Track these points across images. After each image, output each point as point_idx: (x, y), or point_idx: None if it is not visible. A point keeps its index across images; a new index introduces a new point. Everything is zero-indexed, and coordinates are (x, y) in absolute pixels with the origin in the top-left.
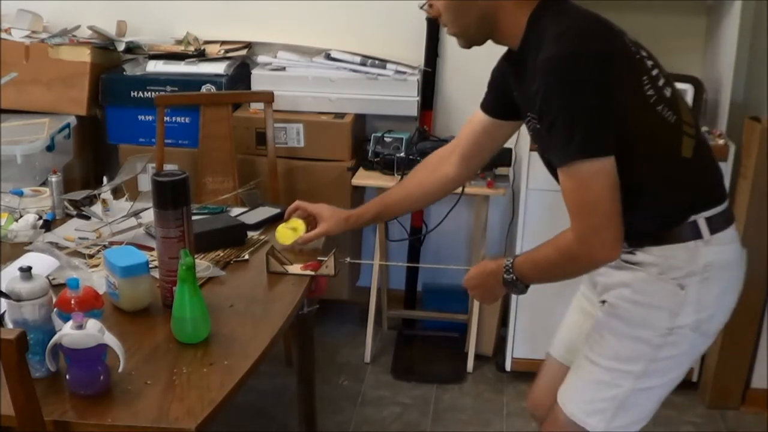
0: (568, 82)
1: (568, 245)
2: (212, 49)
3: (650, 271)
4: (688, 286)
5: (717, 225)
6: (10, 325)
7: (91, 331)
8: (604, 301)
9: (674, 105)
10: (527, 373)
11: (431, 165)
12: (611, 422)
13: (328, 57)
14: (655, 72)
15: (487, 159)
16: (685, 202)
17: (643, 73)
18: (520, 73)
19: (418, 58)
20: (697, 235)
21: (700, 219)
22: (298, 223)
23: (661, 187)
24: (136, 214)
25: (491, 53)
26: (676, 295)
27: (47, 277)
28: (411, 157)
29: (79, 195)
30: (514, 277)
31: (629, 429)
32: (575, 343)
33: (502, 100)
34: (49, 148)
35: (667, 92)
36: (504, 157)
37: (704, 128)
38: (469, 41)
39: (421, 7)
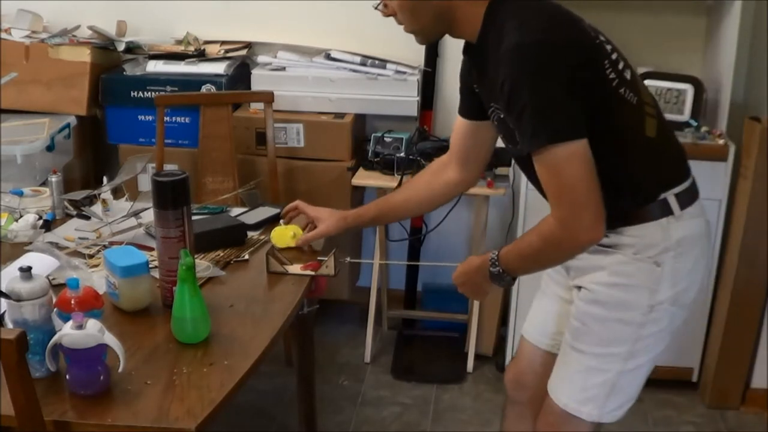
0: (535, 70)
1: (551, 231)
2: (212, 49)
3: (626, 252)
4: (663, 263)
5: (685, 200)
6: (10, 325)
7: (91, 331)
8: (579, 287)
9: (635, 87)
10: None
11: (434, 170)
12: (604, 407)
13: (328, 57)
14: (614, 56)
15: (485, 159)
16: (655, 180)
17: (603, 57)
18: (480, 65)
19: (418, 58)
20: (668, 211)
21: (670, 196)
22: (297, 229)
23: (630, 168)
24: (136, 214)
25: None
26: (653, 273)
27: (47, 277)
28: (411, 157)
29: (79, 195)
30: (500, 270)
31: (621, 410)
32: (547, 327)
33: (473, 101)
34: (49, 148)
35: (627, 75)
36: (504, 157)
37: (704, 128)
38: (426, 38)
39: (376, 7)
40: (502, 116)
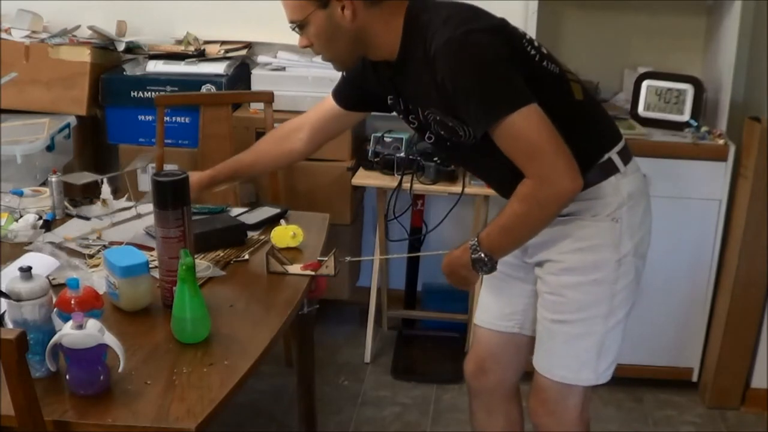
0: (472, 55)
1: (531, 192)
2: (212, 49)
3: (584, 216)
4: (620, 218)
5: (626, 157)
6: (10, 325)
7: (91, 331)
8: (542, 263)
9: (552, 58)
10: (527, 373)
11: (281, 136)
12: (597, 368)
13: None
14: (527, 37)
15: (332, 139)
16: (597, 142)
17: (520, 37)
18: (403, 78)
19: None
20: (615, 169)
21: (613, 154)
22: (297, 229)
23: (572, 133)
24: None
25: None
26: (614, 229)
27: (47, 277)
28: (411, 157)
29: (79, 178)
30: (482, 254)
31: (611, 369)
32: (502, 308)
33: (359, 94)
34: (49, 148)
35: (544, 50)
36: None
37: (704, 128)
38: (344, 64)
39: (293, 29)
40: (438, 117)
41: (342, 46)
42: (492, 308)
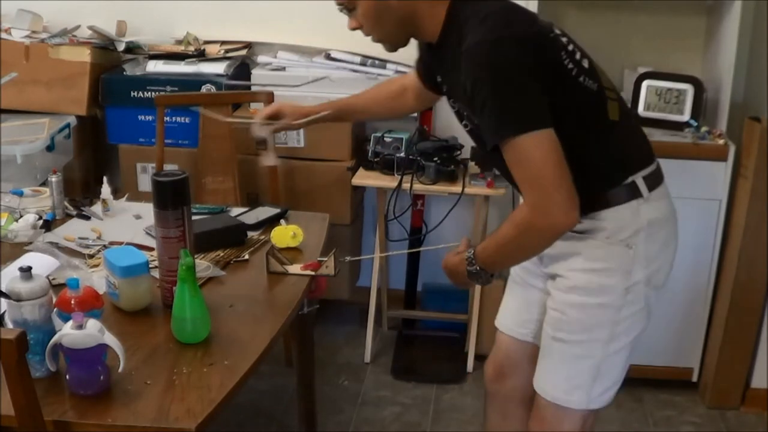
0: (496, 65)
1: (525, 218)
2: (212, 49)
3: (598, 236)
4: (635, 245)
5: (653, 182)
6: (10, 325)
7: (91, 331)
8: (554, 276)
9: (593, 74)
10: None
11: (396, 92)
12: (591, 392)
13: (328, 57)
14: (570, 47)
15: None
16: (622, 163)
17: (560, 48)
18: (441, 61)
19: None
20: (637, 194)
21: (638, 178)
22: (297, 229)
23: (598, 152)
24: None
25: None
26: (626, 255)
27: (47, 277)
28: (411, 157)
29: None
30: (477, 268)
31: (608, 394)
32: (521, 316)
33: (425, 70)
34: (49, 148)
35: (585, 63)
36: None
37: (704, 128)
38: (393, 45)
39: (341, 10)
40: (465, 112)
41: (390, 26)
42: (511, 313)
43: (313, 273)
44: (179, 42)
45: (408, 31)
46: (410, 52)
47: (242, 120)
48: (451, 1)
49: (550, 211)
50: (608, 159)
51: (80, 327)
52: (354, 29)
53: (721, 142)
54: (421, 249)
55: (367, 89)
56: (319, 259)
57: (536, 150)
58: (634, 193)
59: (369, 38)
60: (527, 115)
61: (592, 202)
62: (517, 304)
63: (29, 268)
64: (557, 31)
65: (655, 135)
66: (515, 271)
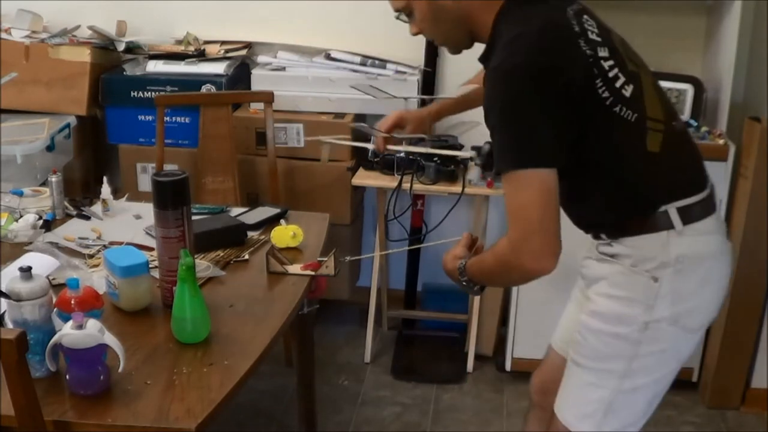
0: (506, 96)
1: (503, 252)
2: (212, 49)
3: (624, 263)
4: (661, 278)
5: (692, 215)
6: (10, 325)
7: (91, 331)
8: (587, 297)
9: (635, 103)
10: (527, 373)
11: None
12: (601, 426)
13: (328, 57)
14: (612, 73)
15: None
16: (653, 193)
17: (597, 77)
18: (486, 66)
19: (418, 58)
20: (668, 225)
21: (672, 209)
22: (297, 229)
23: (629, 180)
24: None
25: None
26: (650, 288)
27: (47, 277)
28: (411, 157)
29: None
30: (467, 279)
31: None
32: (568, 334)
33: None
34: (49, 148)
35: (627, 91)
36: None
37: (704, 128)
38: (455, 47)
39: (398, 17)
40: None
41: (449, 28)
42: (561, 331)
43: (313, 273)
44: (179, 42)
45: (466, 32)
46: (410, 52)
47: (365, 144)
48: (498, 9)
49: (523, 253)
50: (640, 187)
51: (80, 327)
52: (416, 34)
53: (721, 142)
54: (422, 245)
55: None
56: (319, 259)
57: (527, 189)
58: (664, 224)
59: (369, 38)
60: (526, 152)
61: (621, 227)
62: (567, 322)
63: (29, 268)
64: (603, 54)
65: None
66: (574, 290)
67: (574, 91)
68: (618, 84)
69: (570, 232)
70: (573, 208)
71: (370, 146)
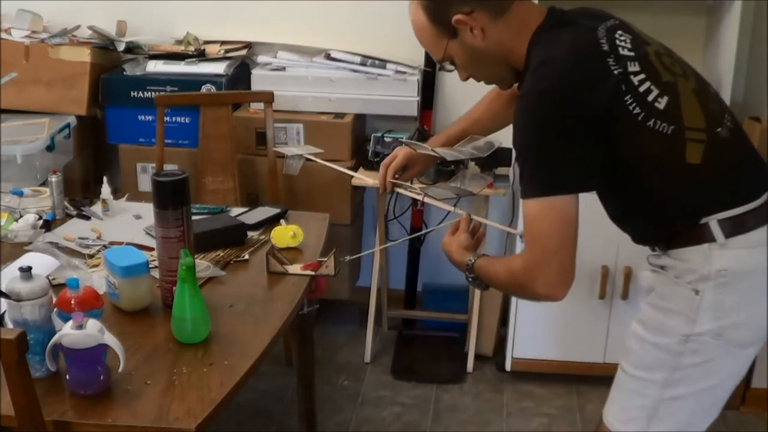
0: (529, 121)
1: (516, 270)
2: (212, 49)
3: (669, 274)
4: (703, 291)
5: (735, 228)
6: (10, 325)
7: (91, 331)
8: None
9: (670, 115)
10: (527, 373)
11: (504, 104)
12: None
13: (328, 57)
14: (644, 87)
15: None
16: (694, 205)
17: (626, 93)
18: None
19: (418, 58)
20: (710, 237)
21: (713, 221)
22: (297, 229)
23: (668, 193)
24: None
25: None
26: (692, 300)
27: (47, 277)
28: None
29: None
30: (474, 276)
31: None
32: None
33: None
34: (49, 148)
35: (660, 104)
36: (504, 157)
37: None
38: (503, 83)
39: (442, 68)
40: None
41: (491, 66)
42: None
43: (313, 273)
44: (179, 42)
45: (507, 66)
46: (410, 52)
47: (365, 179)
48: (533, 33)
49: (536, 279)
50: (680, 201)
51: (80, 327)
52: (465, 79)
53: None
54: (422, 233)
55: (486, 102)
56: (319, 259)
57: (547, 218)
58: (705, 237)
59: (369, 38)
60: (548, 179)
61: (664, 239)
62: None
63: (29, 268)
64: (634, 68)
65: None
66: None
67: (601, 112)
68: (650, 97)
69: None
70: (623, 226)
71: (372, 182)
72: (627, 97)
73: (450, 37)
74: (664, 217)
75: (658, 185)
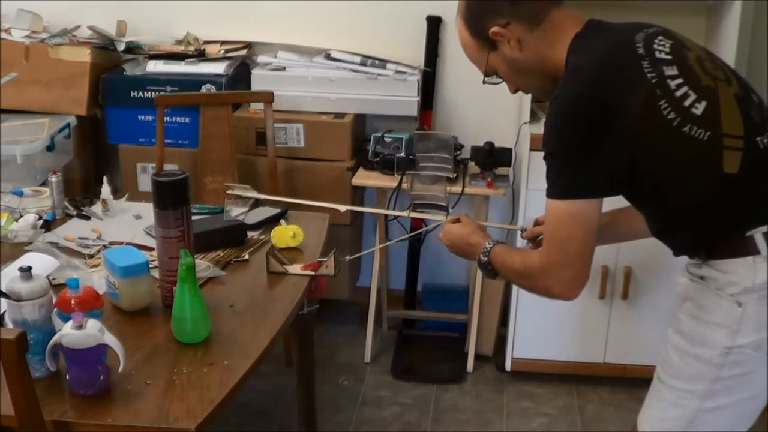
0: (558, 125)
1: (533, 266)
2: (212, 49)
3: (710, 285)
4: (746, 304)
5: None
6: (10, 325)
7: (91, 331)
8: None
9: (708, 120)
10: (527, 373)
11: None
12: None
13: (328, 57)
14: (681, 91)
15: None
16: (734, 217)
17: (660, 98)
18: None
19: (418, 58)
20: (754, 250)
21: (758, 234)
22: (297, 229)
23: (704, 206)
24: None
25: None
26: (734, 312)
27: (47, 277)
28: (411, 157)
29: None
30: (488, 261)
31: None
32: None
33: None
34: (49, 148)
35: (698, 109)
36: (504, 157)
37: None
38: (546, 94)
39: (487, 82)
40: None
41: (532, 77)
42: None
43: (313, 273)
44: (179, 42)
45: (547, 76)
46: (410, 52)
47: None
48: (570, 40)
49: (552, 278)
50: (719, 212)
51: (80, 327)
52: (515, 92)
53: None
54: (422, 231)
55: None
56: (319, 259)
57: (569, 221)
58: (750, 249)
59: (369, 38)
60: (572, 183)
61: (706, 250)
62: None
63: (29, 268)
64: (671, 72)
65: None
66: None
67: (634, 118)
68: (687, 102)
69: None
70: (665, 239)
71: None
72: (662, 102)
73: (490, 50)
74: (703, 228)
75: (695, 194)
